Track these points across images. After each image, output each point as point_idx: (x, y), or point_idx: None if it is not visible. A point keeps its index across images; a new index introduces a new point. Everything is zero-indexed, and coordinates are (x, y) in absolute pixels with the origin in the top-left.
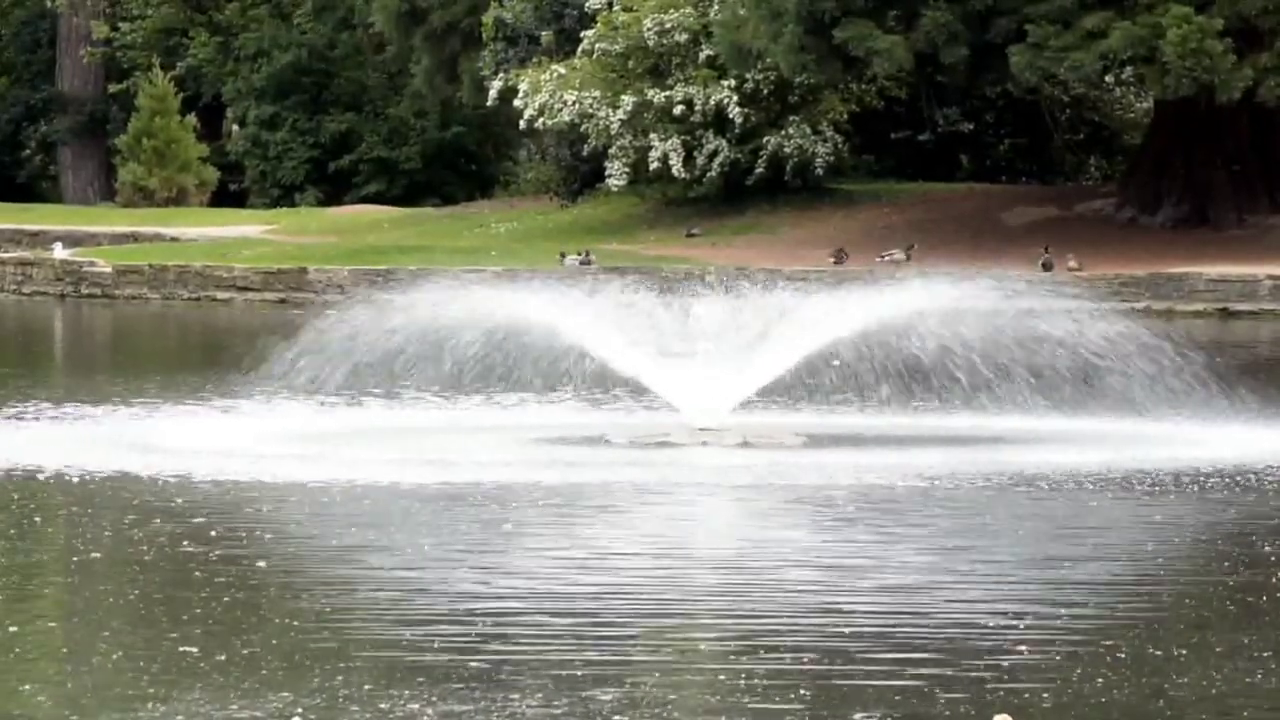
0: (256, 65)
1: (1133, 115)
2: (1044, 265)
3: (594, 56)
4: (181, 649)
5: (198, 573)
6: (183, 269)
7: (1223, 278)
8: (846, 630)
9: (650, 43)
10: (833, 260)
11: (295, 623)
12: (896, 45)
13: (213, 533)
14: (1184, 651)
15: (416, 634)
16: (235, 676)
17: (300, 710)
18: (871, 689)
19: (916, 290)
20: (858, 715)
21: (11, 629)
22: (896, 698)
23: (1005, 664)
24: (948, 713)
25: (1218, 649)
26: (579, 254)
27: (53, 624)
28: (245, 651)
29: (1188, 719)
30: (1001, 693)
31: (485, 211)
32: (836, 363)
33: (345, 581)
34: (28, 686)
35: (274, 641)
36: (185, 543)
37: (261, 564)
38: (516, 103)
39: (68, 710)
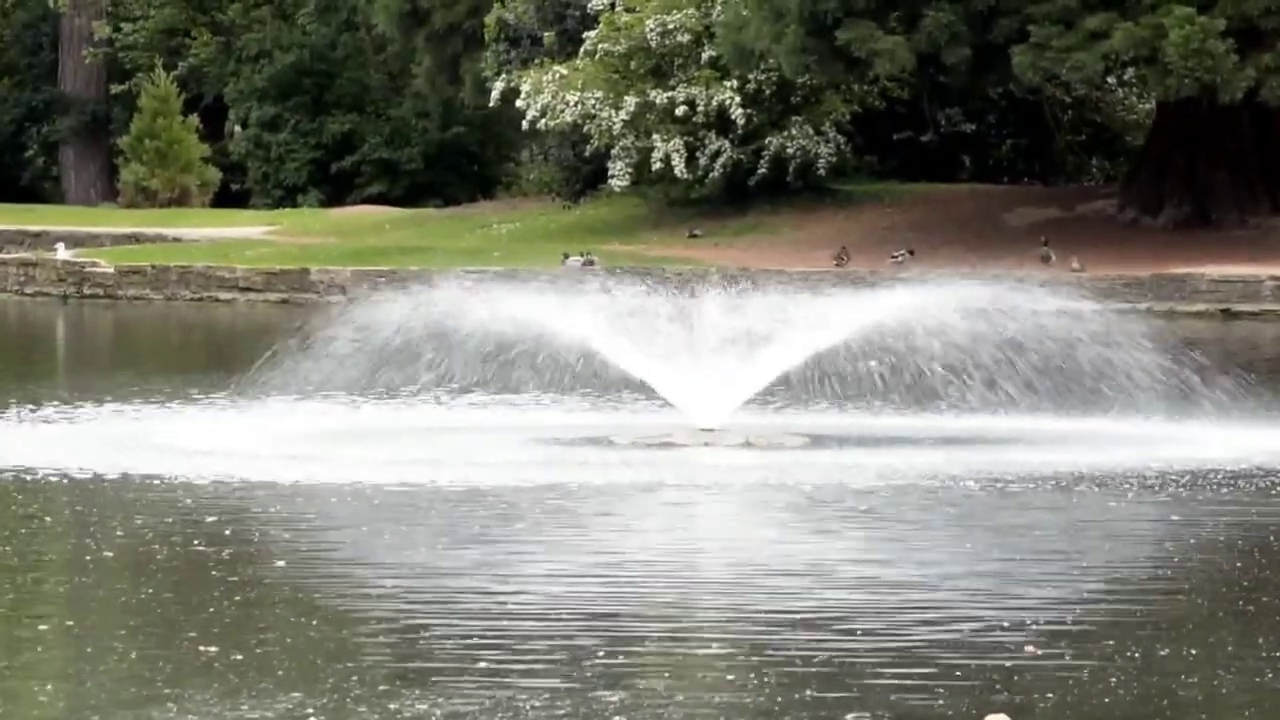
0: (258, 66)
1: (1135, 116)
2: (1043, 258)
3: (596, 57)
4: (195, 649)
5: (212, 572)
6: (185, 269)
7: (1225, 278)
8: (851, 630)
9: (652, 43)
10: (835, 261)
11: (310, 622)
12: (898, 46)
13: (227, 532)
14: (1195, 651)
15: (427, 634)
16: (249, 677)
17: (311, 710)
18: (876, 689)
19: (917, 291)
20: (861, 715)
21: (25, 628)
22: (900, 698)
23: (1013, 664)
24: (950, 712)
25: (1229, 649)
26: (581, 255)
27: (69, 623)
28: (259, 651)
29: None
30: (1006, 693)
31: (487, 212)
32: (874, 363)
33: (357, 581)
34: (47, 686)
35: (288, 641)
36: (197, 542)
37: (280, 563)
38: (519, 103)
39: (81, 710)
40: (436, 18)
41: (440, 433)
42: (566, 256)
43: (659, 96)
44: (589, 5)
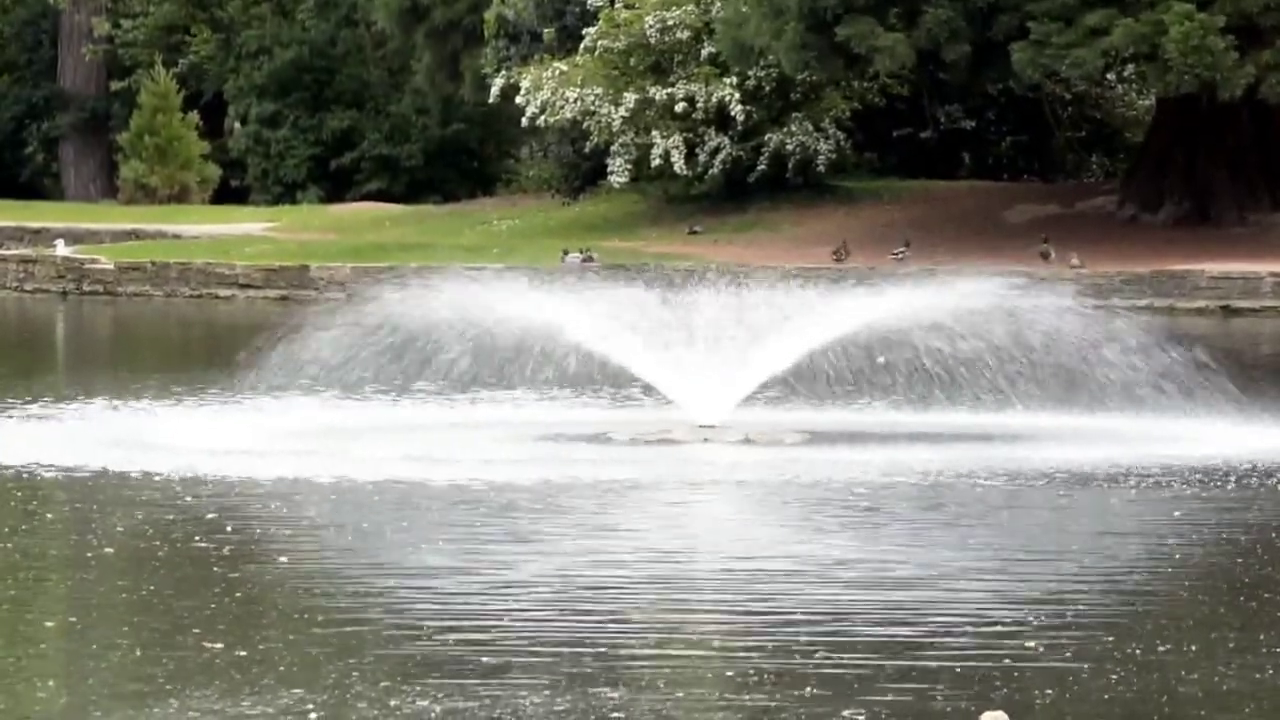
0: (258, 62)
1: (1134, 113)
2: (1043, 255)
3: (596, 54)
4: (196, 645)
5: (213, 569)
6: (184, 266)
7: (1224, 275)
8: (851, 627)
9: (652, 40)
10: (834, 258)
11: (315, 618)
12: (898, 42)
13: (227, 529)
14: (1195, 648)
15: (428, 631)
16: (251, 674)
17: (312, 707)
18: (875, 687)
19: (917, 288)
20: (861, 714)
21: (27, 625)
22: (900, 696)
23: (1013, 661)
24: (949, 709)
25: (1230, 645)
26: (580, 251)
27: (71, 619)
28: (261, 648)
29: (1189, 716)
30: (1006, 690)
31: (487, 209)
32: (882, 359)
33: (358, 578)
34: (49, 682)
35: (289, 637)
36: (198, 539)
37: (282, 560)
38: (518, 100)
39: (84, 706)
40: (436, 14)
41: (440, 429)
42: (566, 253)
43: (658, 93)
44: (588, 2)
